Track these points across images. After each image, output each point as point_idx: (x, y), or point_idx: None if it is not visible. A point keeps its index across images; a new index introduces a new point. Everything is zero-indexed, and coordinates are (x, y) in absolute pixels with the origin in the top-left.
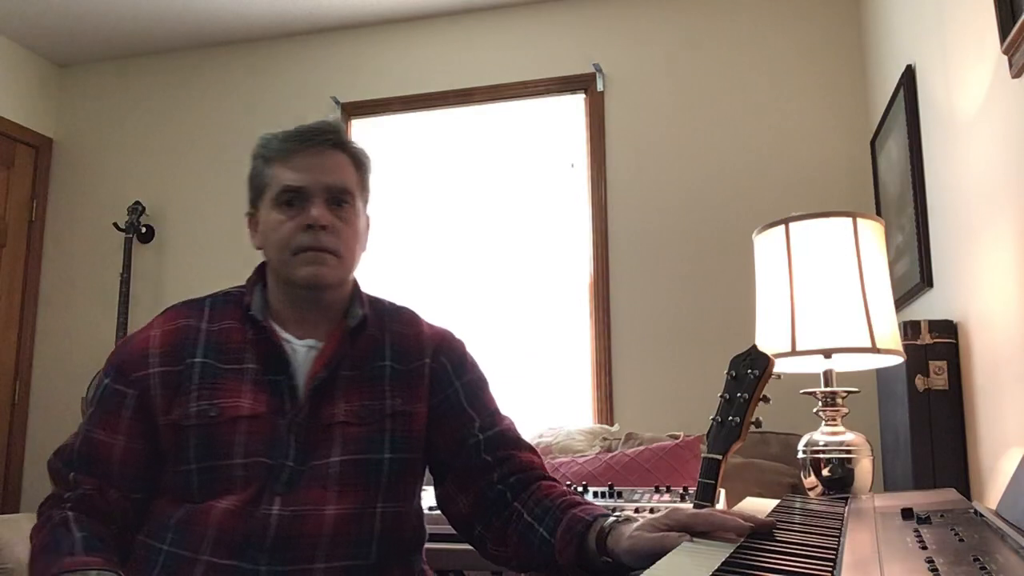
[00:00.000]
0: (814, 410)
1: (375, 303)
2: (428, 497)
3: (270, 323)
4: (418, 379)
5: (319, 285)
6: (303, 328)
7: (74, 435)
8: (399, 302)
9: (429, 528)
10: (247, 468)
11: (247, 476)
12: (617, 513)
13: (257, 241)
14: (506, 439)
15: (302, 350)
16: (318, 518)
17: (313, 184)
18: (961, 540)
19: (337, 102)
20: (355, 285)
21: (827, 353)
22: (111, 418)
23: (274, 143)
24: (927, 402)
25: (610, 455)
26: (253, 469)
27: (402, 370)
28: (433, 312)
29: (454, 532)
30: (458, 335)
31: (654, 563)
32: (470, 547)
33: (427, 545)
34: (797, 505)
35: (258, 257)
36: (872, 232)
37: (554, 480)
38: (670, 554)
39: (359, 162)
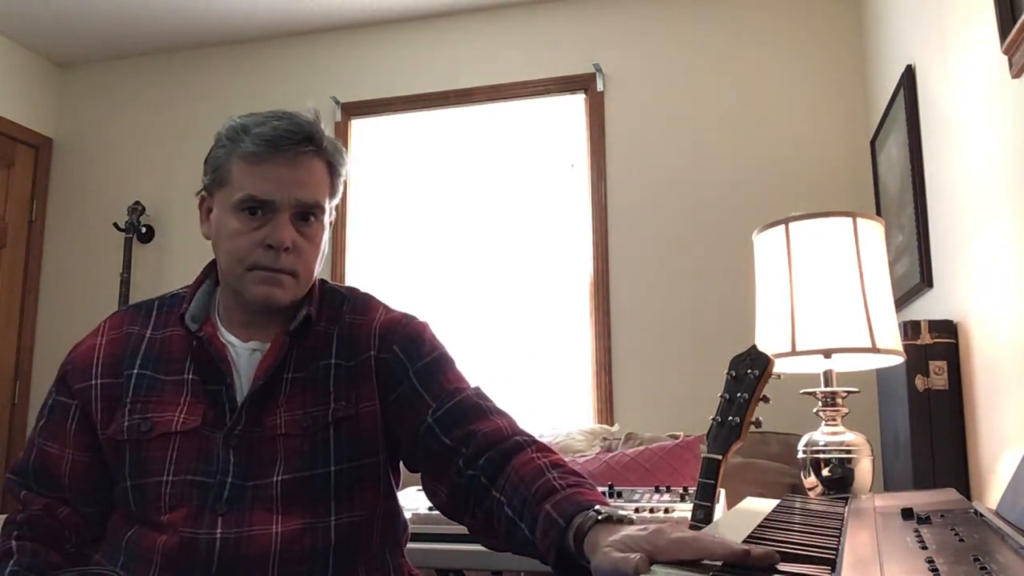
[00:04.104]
0: (814, 410)
1: (330, 294)
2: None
3: (210, 328)
4: (365, 374)
5: (272, 307)
6: (249, 330)
7: (27, 448)
8: (372, 291)
9: (429, 528)
10: (175, 486)
11: (178, 495)
12: (596, 508)
13: (207, 231)
14: (461, 412)
15: (245, 354)
16: (264, 538)
17: (283, 199)
18: (961, 540)
19: (337, 102)
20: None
21: (827, 353)
22: (59, 430)
23: (245, 139)
24: (927, 402)
25: (610, 455)
26: (182, 487)
27: (348, 367)
28: (433, 313)
29: (453, 532)
30: (418, 318)
31: None
32: (470, 547)
33: (427, 545)
34: (797, 505)
35: None
36: (872, 232)
37: (526, 443)
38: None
39: (333, 167)
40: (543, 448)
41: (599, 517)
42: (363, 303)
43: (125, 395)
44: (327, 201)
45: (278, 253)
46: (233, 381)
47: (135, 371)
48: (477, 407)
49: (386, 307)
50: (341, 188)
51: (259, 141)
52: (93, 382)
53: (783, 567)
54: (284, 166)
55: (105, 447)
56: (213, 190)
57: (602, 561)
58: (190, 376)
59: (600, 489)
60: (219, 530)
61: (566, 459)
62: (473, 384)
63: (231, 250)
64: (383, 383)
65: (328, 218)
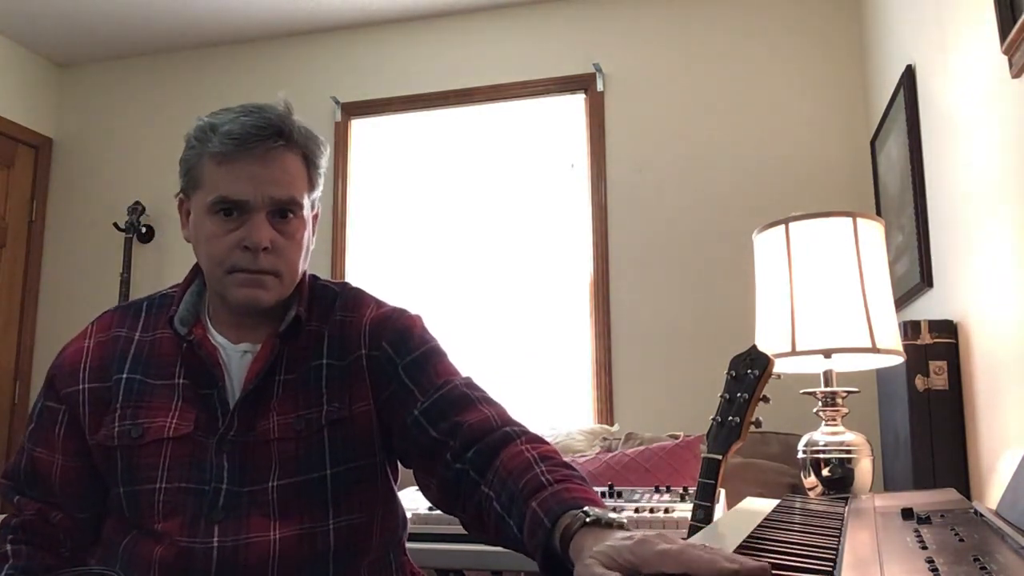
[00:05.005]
0: (814, 410)
1: (321, 291)
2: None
3: (200, 331)
4: (356, 374)
5: (257, 308)
6: (239, 331)
7: (18, 453)
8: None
9: (429, 528)
10: (168, 494)
11: (172, 502)
12: (584, 509)
13: (187, 234)
14: (448, 404)
15: (236, 356)
16: (262, 545)
17: (257, 198)
18: (961, 540)
19: (337, 102)
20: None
21: (827, 353)
22: (48, 436)
23: (213, 138)
24: (927, 402)
25: (610, 455)
26: (175, 495)
27: (340, 366)
28: (433, 313)
29: (453, 532)
30: (409, 311)
31: None
32: (470, 547)
33: (427, 545)
34: (797, 505)
35: None
36: (872, 232)
37: (515, 434)
38: None
39: (309, 159)
40: (533, 439)
41: (587, 520)
42: (354, 299)
43: (115, 400)
44: (305, 195)
45: (256, 254)
46: (225, 384)
47: (124, 375)
48: (464, 397)
49: (378, 302)
50: (321, 180)
51: (227, 140)
52: (81, 386)
53: (784, 567)
54: (255, 164)
55: (95, 452)
56: (189, 192)
57: (582, 573)
58: (181, 380)
59: (600, 489)
60: (216, 539)
61: (566, 459)
62: (464, 375)
63: (209, 253)
64: (375, 382)
65: (309, 212)
